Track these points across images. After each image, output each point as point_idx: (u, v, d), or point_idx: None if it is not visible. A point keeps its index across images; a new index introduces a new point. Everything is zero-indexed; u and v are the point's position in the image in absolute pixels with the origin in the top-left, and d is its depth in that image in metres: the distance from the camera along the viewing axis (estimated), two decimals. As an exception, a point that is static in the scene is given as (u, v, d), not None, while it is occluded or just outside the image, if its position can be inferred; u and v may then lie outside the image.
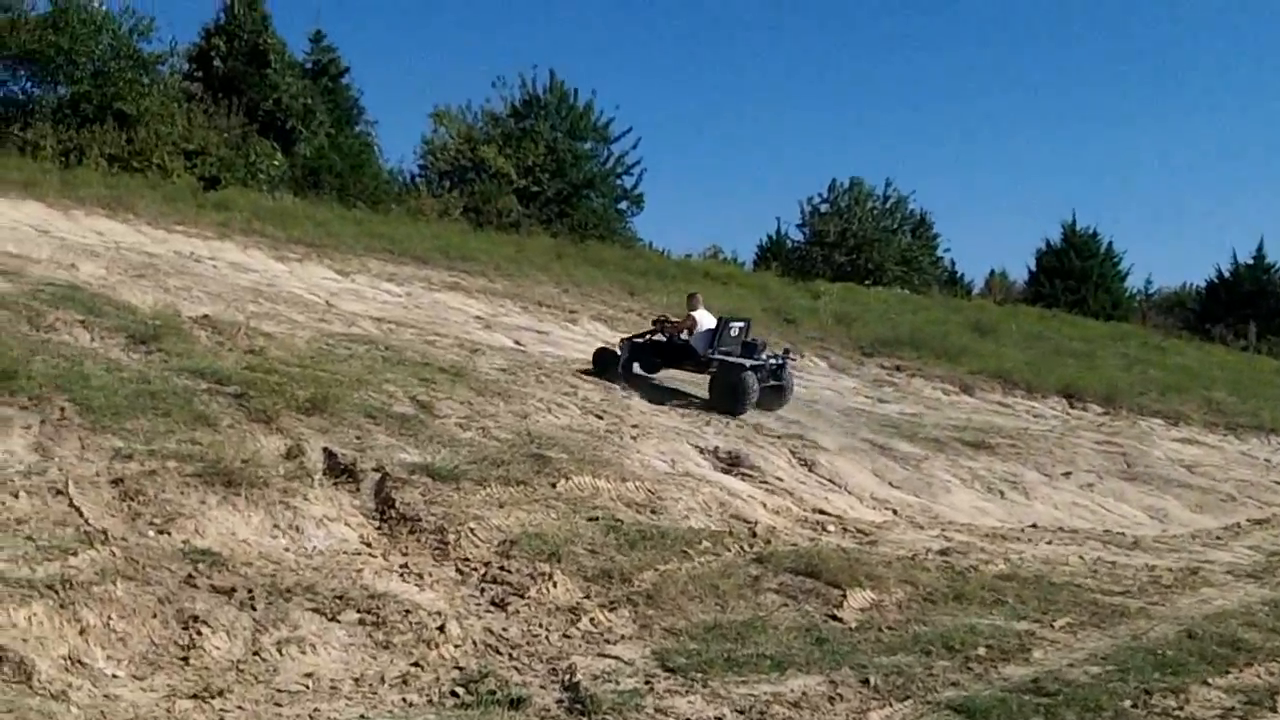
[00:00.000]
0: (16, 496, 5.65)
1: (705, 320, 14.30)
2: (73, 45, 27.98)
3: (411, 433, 8.41)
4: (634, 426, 10.78)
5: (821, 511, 9.43)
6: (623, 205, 38.42)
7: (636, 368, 14.43)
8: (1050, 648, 5.96)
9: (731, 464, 10.31)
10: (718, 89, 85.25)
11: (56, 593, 4.60)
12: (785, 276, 32.60)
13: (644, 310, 20.64)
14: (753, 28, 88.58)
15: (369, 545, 6.41)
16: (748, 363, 13.57)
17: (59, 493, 5.81)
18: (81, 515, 5.58)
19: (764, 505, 9.11)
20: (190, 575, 5.17)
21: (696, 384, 13.91)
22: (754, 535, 7.87)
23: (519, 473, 7.90)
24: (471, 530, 6.72)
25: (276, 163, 29.16)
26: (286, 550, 6.00)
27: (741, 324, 14.60)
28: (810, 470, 10.84)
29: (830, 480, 10.68)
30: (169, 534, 5.68)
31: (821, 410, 14.25)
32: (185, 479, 6.24)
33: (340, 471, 7.22)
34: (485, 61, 79.82)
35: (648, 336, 14.63)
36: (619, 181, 37.97)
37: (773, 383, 13.89)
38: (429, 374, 10.63)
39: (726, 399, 13.29)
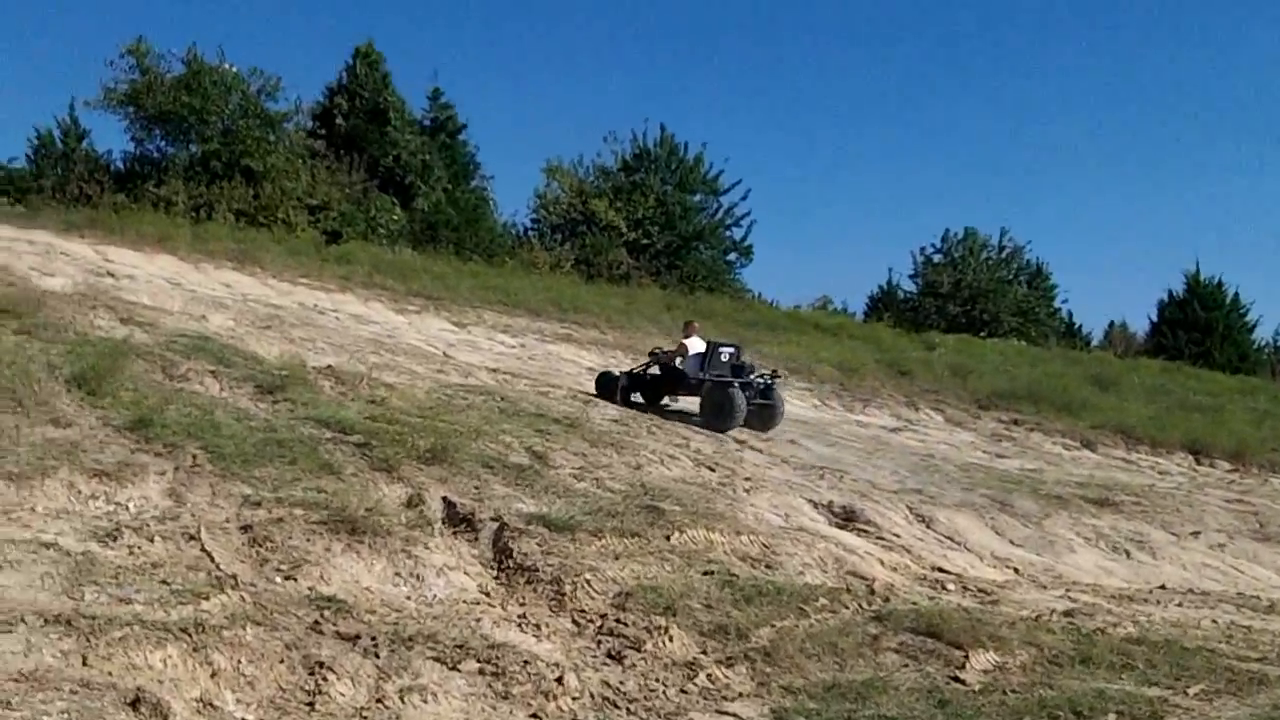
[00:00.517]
0: (152, 541, 5.85)
1: (695, 346, 15.13)
2: (204, 105, 29.08)
3: (527, 483, 8.49)
4: (747, 479, 10.74)
5: (940, 569, 9.26)
6: (732, 257, 38.50)
7: (636, 397, 15.10)
8: (1184, 716, 5.76)
9: (847, 519, 10.20)
10: (828, 139, 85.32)
11: (190, 636, 4.73)
12: (897, 328, 32.33)
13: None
14: (864, 80, 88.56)
15: (487, 595, 6.47)
16: (735, 382, 14.39)
17: (192, 538, 5.99)
18: (213, 560, 5.74)
19: (881, 562, 8.98)
20: (316, 622, 5.28)
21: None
22: (872, 593, 7.76)
23: (633, 524, 7.92)
24: (587, 582, 6.74)
25: (395, 217, 29.86)
26: (408, 598, 6.08)
27: (731, 348, 15.41)
28: (928, 526, 10.67)
29: (949, 537, 10.50)
30: (295, 580, 5.80)
31: (938, 465, 14.05)
32: (311, 526, 6.39)
33: (459, 521, 7.32)
34: (597, 116, 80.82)
35: (646, 369, 15.44)
36: (728, 233, 38.09)
37: (761, 401, 14.68)
38: (544, 425, 10.75)
39: (715, 416, 14.10)
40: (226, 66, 30.03)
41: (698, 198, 37.52)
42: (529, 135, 73.50)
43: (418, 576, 6.32)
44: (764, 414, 14.68)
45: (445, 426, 9.45)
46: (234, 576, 5.60)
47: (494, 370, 14.34)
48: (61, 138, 33.76)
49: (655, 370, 15.29)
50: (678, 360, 15.09)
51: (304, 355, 11.96)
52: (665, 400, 15.32)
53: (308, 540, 6.25)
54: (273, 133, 30.24)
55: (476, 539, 7.11)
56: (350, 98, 32.29)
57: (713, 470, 10.84)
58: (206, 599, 5.19)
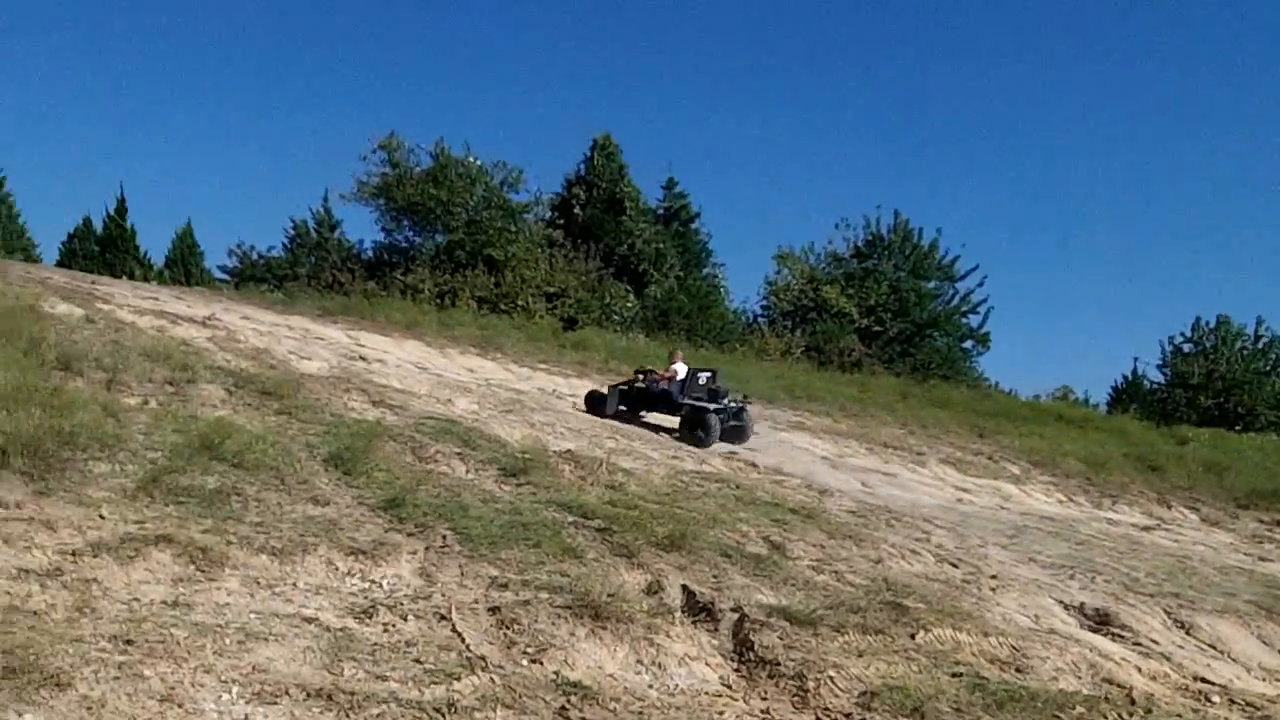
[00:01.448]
0: (405, 619, 5.99)
1: (681, 371, 17.67)
2: (450, 197, 30.50)
3: (766, 574, 8.37)
4: (992, 577, 10.32)
5: (1203, 680, 8.64)
6: (968, 344, 37.59)
7: (622, 408, 17.29)
8: None
9: (1100, 622, 9.65)
10: (1067, 225, 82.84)
11: (443, 716, 4.80)
12: (1145, 420, 30.83)
13: (994, 453, 20.00)
14: (1103, 166, 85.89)
15: (729, 687, 6.36)
16: (712, 406, 16.67)
17: (442, 617, 6.11)
18: (463, 641, 5.84)
19: (1139, 669, 8.43)
20: (563, 707, 5.28)
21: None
22: (1131, 702, 7.28)
23: (876, 621, 7.68)
24: (831, 679, 6.55)
25: (630, 304, 30.45)
26: (650, 687, 6.03)
27: (709, 374, 17.91)
28: (1188, 633, 9.99)
29: (1211, 645, 9.79)
30: (542, 664, 5.83)
31: (1195, 567, 13.19)
32: (556, 610, 6.43)
33: (699, 610, 7.25)
34: (828, 204, 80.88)
35: (633, 384, 17.74)
36: (964, 320, 37.25)
37: (734, 423, 16.97)
38: (780, 514, 10.62)
39: (694, 434, 16.22)
40: (472, 159, 31.50)
41: (932, 284, 36.93)
42: (760, 223, 74.17)
43: (660, 665, 6.27)
44: (736, 433, 16.92)
45: (682, 513, 9.45)
46: (483, 658, 5.67)
47: (727, 457, 14.31)
48: (315, 228, 35.94)
49: (640, 387, 17.61)
50: (664, 383, 17.43)
51: (544, 439, 12.20)
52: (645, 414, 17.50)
53: (553, 624, 6.28)
54: (514, 223, 31.42)
55: (717, 629, 7.02)
56: (588, 188, 33.30)
57: (956, 566, 10.47)
58: (458, 679, 5.26)
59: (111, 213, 37.34)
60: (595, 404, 16.99)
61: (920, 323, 35.62)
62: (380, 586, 6.58)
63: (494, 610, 6.35)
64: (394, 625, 5.90)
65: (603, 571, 7.41)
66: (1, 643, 4.60)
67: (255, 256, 35.13)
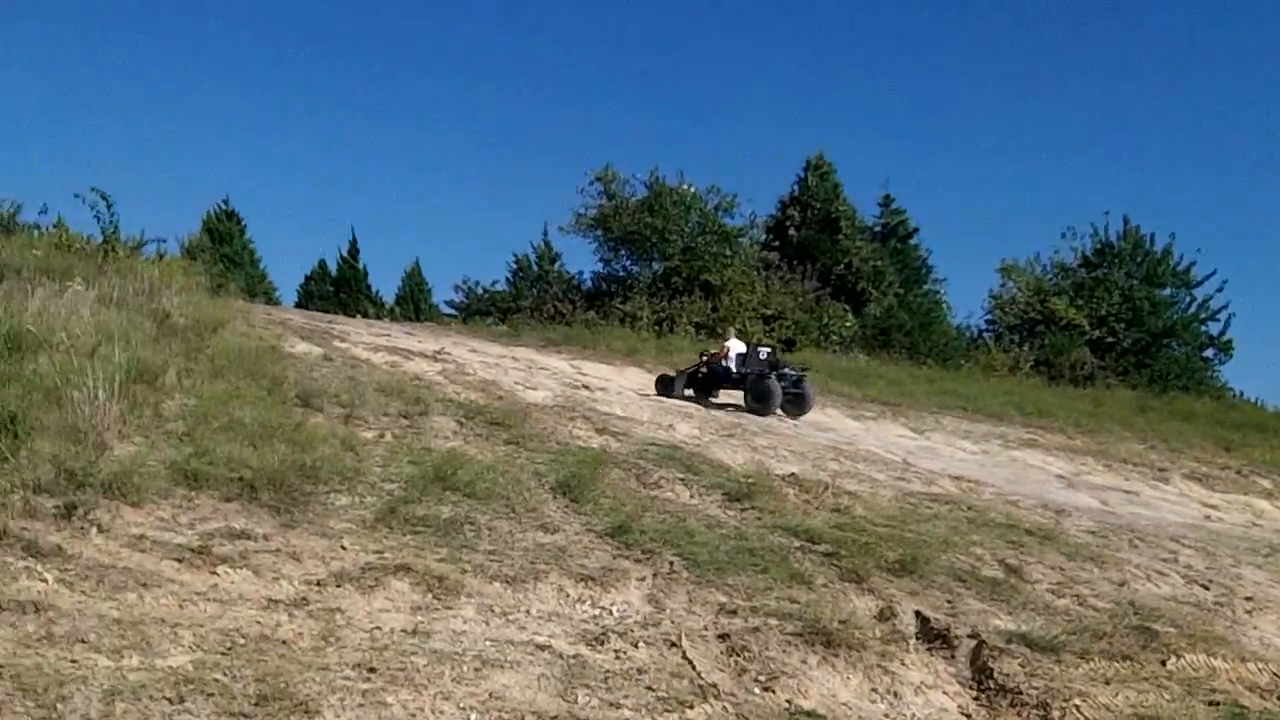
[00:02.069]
0: (636, 646, 6.01)
1: (736, 347, 19.37)
2: (666, 225, 30.81)
3: (1003, 598, 8.06)
4: (1247, 599, 9.68)
5: None
6: (1209, 353, 35.63)
7: (689, 392, 18.97)
8: None
9: (1374, 648, 8.94)
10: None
11: (678, 745, 4.78)
12: None
13: (1242, 466, 18.89)
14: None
15: (968, 716, 6.13)
16: (772, 374, 18.31)
17: (673, 644, 6.10)
18: (694, 668, 5.80)
19: None
20: (797, 736, 5.19)
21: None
22: None
23: (1123, 646, 7.29)
24: (1077, 708, 6.24)
25: (849, 324, 30.11)
26: (885, 716, 5.87)
27: (768, 348, 19.60)
28: None
29: None
30: (773, 692, 5.75)
31: None
32: (786, 637, 6.34)
33: (934, 636, 7.02)
34: (1052, 213, 78.08)
35: (699, 369, 19.34)
36: (1203, 328, 35.33)
37: (793, 391, 18.44)
38: (1014, 536, 10.23)
39: (756, 401, 17.96)
40: (686, 187, 31.76)
41: (1167, 292, 35.19)
42: (981, 236, 72.14)
43: (895, 694, 6.10)
44: (797, 401, 18.41)
45: (912, 536, 9.21)
46: (715, 686, 5.63)
47: (957, 478, 13.90)
48: (537, 261, 36.83)
49: (704, 370, 19.21)
50: (723, 360, 19.07)
51: (767, 463, 12.12)
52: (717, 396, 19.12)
53: (783, 651, 6.19)
54: (729, 247, 31.51)
55: (953, 656, 6.79)
56: (802, 209, 33.15)
57: (1207, 588, 9.86)
58: (690, 708, 5.24)
59: (345, 254, 39.15)
60: (665, 387, 18.86)
61: (1156, 332, 33.95)
62: (610, 613, 6.62)
63: (723, 637, 6.30)
64: (625, 652, 5.92)
65: (832, 597, 7.27)
66: (254, 671, 4.80)
67: (480, 291, 36.23)
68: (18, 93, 71.45)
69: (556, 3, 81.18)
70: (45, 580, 5.58)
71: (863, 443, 15.95)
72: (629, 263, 32.77)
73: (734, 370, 18.93)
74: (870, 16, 79.06)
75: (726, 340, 19.70)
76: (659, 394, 18.37)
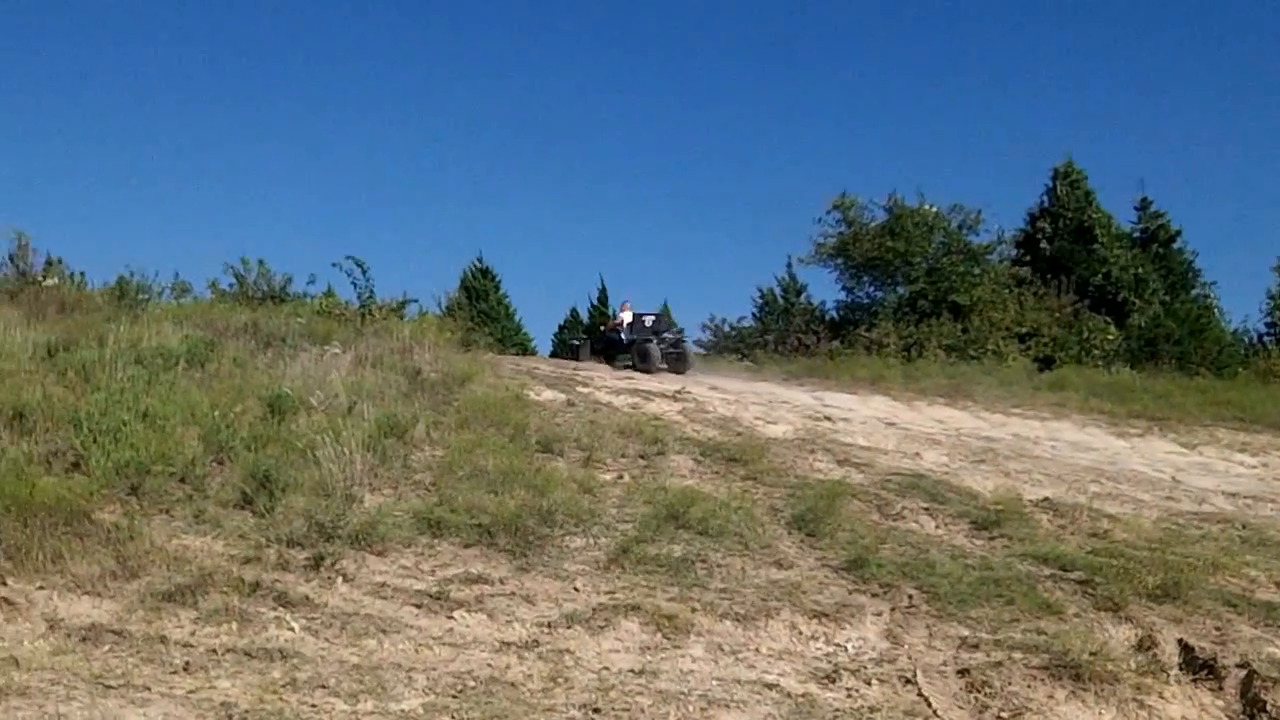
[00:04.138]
0: (869, 684, 5.83)
1: (627, 318, 23.82)
2: (908, 247, 30.21)
3: (1279, 624, 7.45)
4: None
5: None
6: None
7: (591, 359, 23.24)
8: None
9: None
10: None
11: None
12: None
13: None
14: None
15: (1238, 752, 5.69)
16: (653, 339, 22.44)
17: (908, 681, 5.89)
18: (929, 705, 5.59)
19: None
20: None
21: None
22: None
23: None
24: (1364, 745, 5.70)
25: (1110, 337, 28.71)
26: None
27: (653, 316, 24.05)
28: None
29: None
30: (1016, 729, 5.48)
31: None
32: (1031, 671, 6.03)
33: (1198, 667, 6.53)
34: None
35: (596, 335, 24.80)
36: None
37: (673, 351, 22.60)
38: (1298, 555, 9.45)
39: (641, 361, 21.84)
40: (927, 207, 31.04)
41: None
42: (1254, 233, 67.55)
43: (1152, 729, 5.71)
44: (677, 359, 22.50)
45: (1177, 560, 8.60)
46: (951, 723, 5.41)
47: (1232, 495, 12.96)
48: (782, 294, 36.70)
49: (601, 336, 24.18)
50: (618, 330, 23.50)
51: (1019, 488, 11.61)
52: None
53: (1028, 686, 5.89)
54: (977, 265, 30.62)
55: (1220, 688, 6.29)
56: (1053, 220, 31.90)
57: None
58: (924, 747, 5.04)
59: (595, 301, 40.04)
60: (569, 354, 23.77)
61: None
62: (845, 650, 6.46)
63: (963, 672, 6.05)
64: (857, 690, 5.76)
65: (1084, 628, 6.86)
66: (481, 713, 4.90)
67: (727, 328, 36.38)
68: (293, 169, 76.52)
69: (789, 38, 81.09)
70: (293, 629, 5.87)
71: (1126, 462, 15.09)
72: (872, 289, 32.24)
73: (623, 337, 23.24)
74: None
75: (621, 313, 24.46)
76: (568, 357, 23.59)
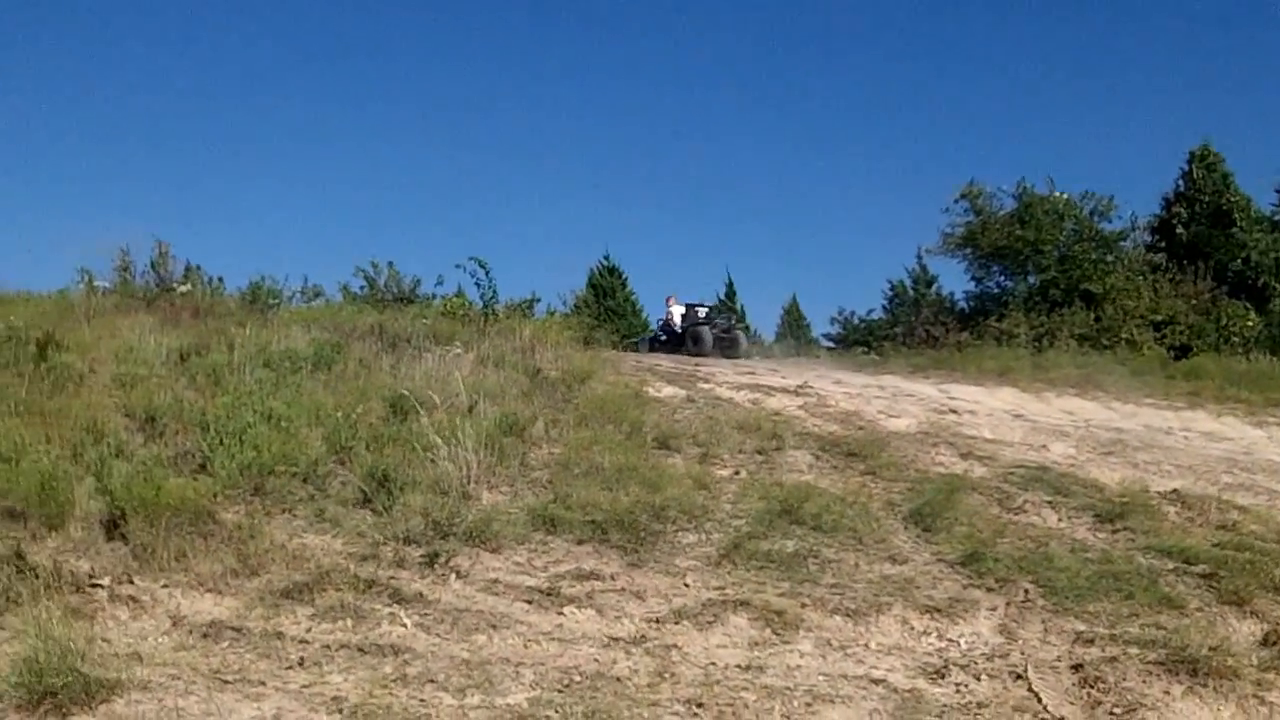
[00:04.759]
0: (979, 679, 5.78)
1: (678, 312, 26.10)
2: (1039, 236, 29.60)
3: None
4: None
5: None
6: None
7: (656, 349, 24.46)
8: None
9: None
10: None
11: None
12: None
13: None
14: None
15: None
16: (705, 325, 24.47)
17: (1018, 677, 5.82)
18: (1039, 701, 5.52)
19: None
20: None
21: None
22: None
23: None
24: None
25: (1249, 323, 27.73)
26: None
27: (704, 307, 26.30)
28: None
29: None
30: (1130, 726, 5.38)
31: None
32: (1147, 666, 5.90)
33: (1328, 663, 6.33)
34: None
35: (658, 335, 26.84)
36: None
37: (725, 336, 24.43)
38: None
39: (694, 345, 23.68)
40: (1057, 195, 30.38)
41: None
42: None
43: (1274, 726, 5.55)
44: (729, 344, 24.16)
45: (1310, 553, 8.33)
46: (1061, 719, 5.33)
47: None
48: (913, 286, 36.31)
49: (660, 333, 26.67)
50: (671, 323, 25.90)
51: (1146, 480, 11.31)
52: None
53: (1143, 681, 5.77)
54: (1110, 253, 29.90)
55: (1353, 685, 6.09)
56: (1189, 204, 30.93)
57: None
58: (1029, 742, 4.99)
59: (721, 296, 40.11)
60: (635, 348, 24.51)
61: None
62: (957, 645, 6.40)
63: (1076, 668, 5.95)
64: (966, 686, 5.71)
65: (1206, 622, 6.69)
66: (585, 707, 5.00)
67: (856, 321, 36.14)
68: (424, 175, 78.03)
69: (916, 27, 79.98)
70: (405, 625, 6.05)
71: (1262, 452, 14.58)
72: (1002, 278, 31.66)
73: (679, 328, 25.49)
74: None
75: (670, 307, 26.71)
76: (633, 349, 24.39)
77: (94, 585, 6.58)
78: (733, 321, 26.23)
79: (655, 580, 7.08)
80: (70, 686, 5.03)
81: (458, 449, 8.81)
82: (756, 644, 6.17)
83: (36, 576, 6.48)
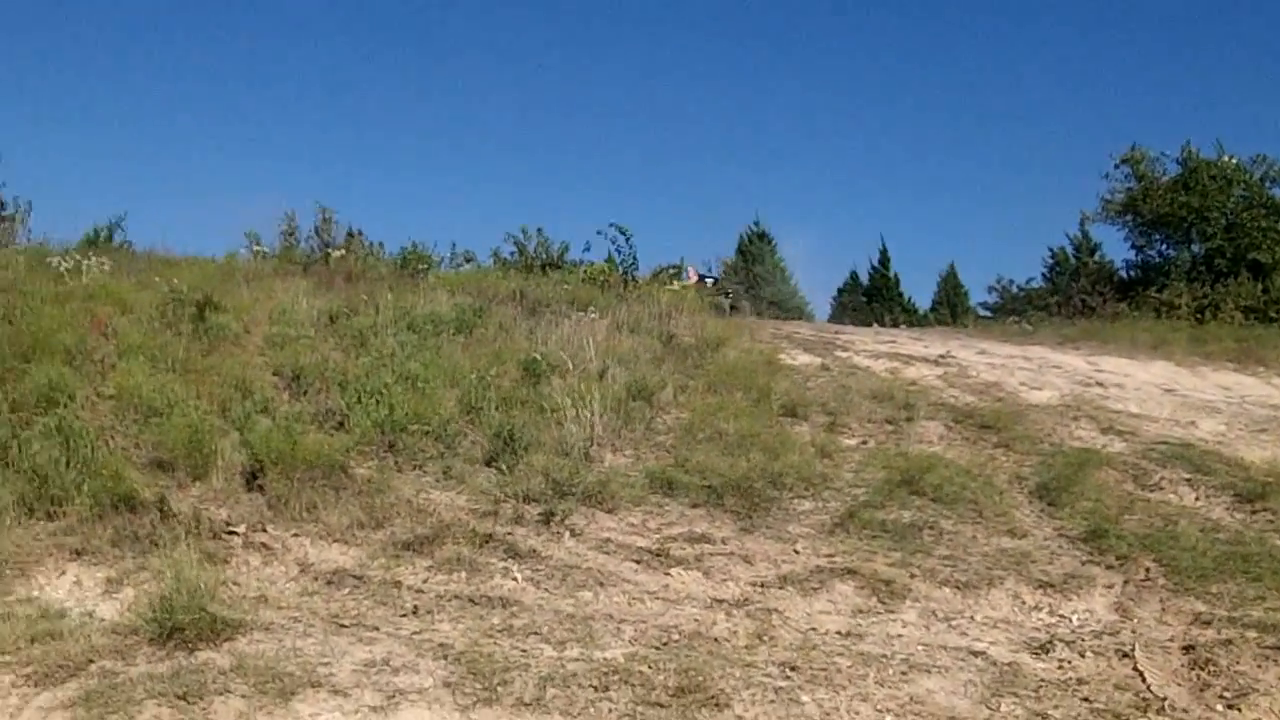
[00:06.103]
0: (1083, 655, 5.71)
1: (693, 277, 23.33)
2: (1204, 203, 28.36)
3: None
4: None
5: None
6: None
7: None
8: None
9: None
10: None
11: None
12: None
13: None
14: None
15: None
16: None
17: (1124, 655, 5.73)
18: (1143, 680, 5.43)
19: None
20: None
21: None
22: None
23: None
24: None
25: None
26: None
27: (712, 278, 25.15)
28: None
29: None
30: (1239, 710, 5.24)
31: None
32: (1264, 650, 5.75)
33: None
34: None
35: None
36: None
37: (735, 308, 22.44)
38: None
39: None
40: (1226, 159, 29.08)
41: None
42: None
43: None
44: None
45: None
46: (1164, 700, 5.24)
47: None
48: (1075, 253, 35.24)
49: None
50: None
51: (1297, 460, 10.89)
52: None
53: (1258, 666, 5.63)
54: (1281, 221, 28.52)
55: None
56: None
57: None
58: (1125, 721, 4.93)
59: (875, 264, 39.50)
60: None
61: None
62: (1067, 621, 6.33)
63: (1188, 649, 5.83)
64: (1069, 662, 5.66)
65: (1332, 609, 6.47)
66: (677, 664, 5.12)
67: (1015, 290, 35.25)
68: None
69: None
70: (516, 579, 6.26)
71: None
72: (1164, 247, 30.43)
73: None
74: None
75: (689, 276, 25.23)
76: None
77: (230, 532, 6.97)
78: (739, 292, 26.59)
79: (765, 545, 7.14)
80: (198, 624, 5.38)
81: (583, 412, 8.99)
82: (860, 612, 6.21)
83: (179, 523, 6.89)
